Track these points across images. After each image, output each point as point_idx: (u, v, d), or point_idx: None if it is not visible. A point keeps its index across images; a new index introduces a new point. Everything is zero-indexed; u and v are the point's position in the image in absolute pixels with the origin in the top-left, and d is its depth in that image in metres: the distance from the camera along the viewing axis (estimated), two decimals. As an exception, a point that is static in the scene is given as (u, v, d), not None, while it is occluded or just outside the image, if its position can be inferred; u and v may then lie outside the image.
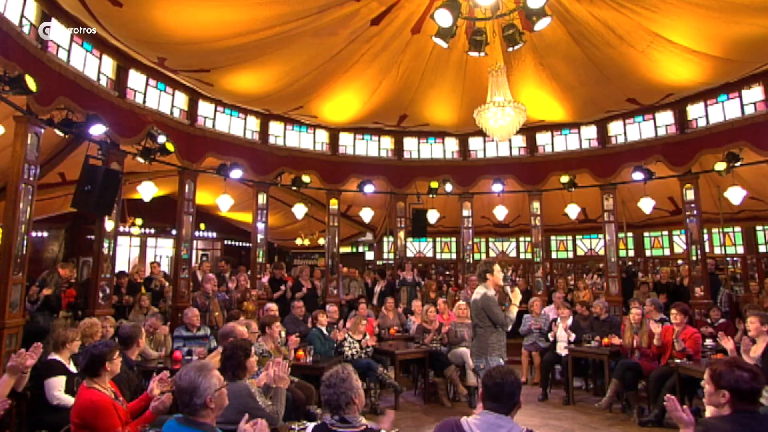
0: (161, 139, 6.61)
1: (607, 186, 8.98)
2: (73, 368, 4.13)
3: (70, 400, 3.86)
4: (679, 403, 2.40)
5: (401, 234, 10.31)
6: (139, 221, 12.00)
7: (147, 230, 13.39)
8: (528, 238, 14.01)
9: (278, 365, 3.25)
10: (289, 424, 2.74)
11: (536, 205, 9.72)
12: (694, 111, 8.07)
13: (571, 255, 14.68)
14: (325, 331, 6.23)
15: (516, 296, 4.35)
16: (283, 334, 5.53)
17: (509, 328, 4.17)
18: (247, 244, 17.20)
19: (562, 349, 6.45)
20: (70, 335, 4.18)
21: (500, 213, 10.10)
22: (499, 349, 4.28)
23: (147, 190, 7.69)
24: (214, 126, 8.26)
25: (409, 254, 14.23)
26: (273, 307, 6.40)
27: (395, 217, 10.42)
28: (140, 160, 6.66)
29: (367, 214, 10.18)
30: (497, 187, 9.52)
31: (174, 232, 13.53)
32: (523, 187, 9.78)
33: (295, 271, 10.17)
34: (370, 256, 16.44)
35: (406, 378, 7.14)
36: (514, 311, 4.29)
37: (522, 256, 14.82)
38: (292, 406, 3.54)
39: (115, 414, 2.84)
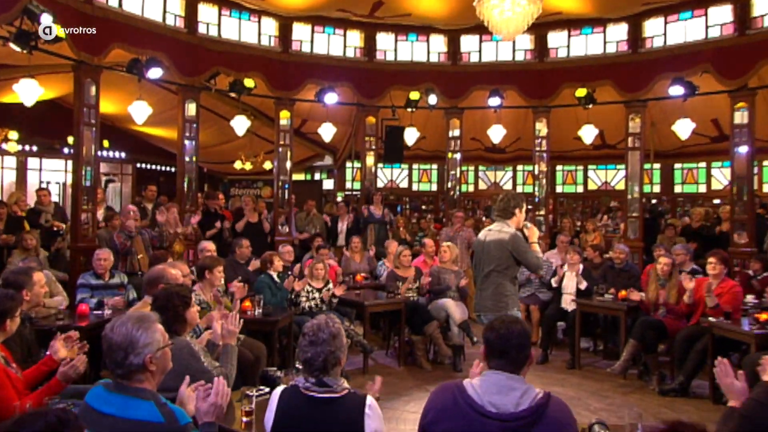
0: (46, 19, 6.00)
1: (635, 103, 8.95)
2: None
3: None
4: (730, 367, 2.51)
5: (370, 158, 10.32)
6: (14, 134, 11.41)
7: (26, 147, 12.84)
8: (528, 167, 14.33)
9: (226, 318, 3.24)
10: (244, 390, 2.76)
11: (542, 124, 9.76)
12: (762, 6, 7.67)
13: (581, 189, 15.03)
14: (276, 278, 6.27)
15: (533, 233, 4.34)
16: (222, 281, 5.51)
17: (543, 272, 4.25)
18: (168, 169, 17.25)
19: (568, 303, 6.61)
20: None
21: (496, 134, 10.12)
22: (517, 300, 4.36)
23: (28, 91, 7.20)
24: (121, 5, 7.70)
25: (379, 184, 14.29)
26: (209, 246, 6.35)
27: (363, 136, 10.40)
28: (14, 47, 6.13)
29: (326, 132, 10.05)
30: (494, 101, 9.47)
31: (66, 150, 13.43)
32: (527, 101, 9.76)
33: (235, 202, 10.07)
34: (328, 185, 16.50)
35: (375, 335, 7.32)
36: (539, 251, 4.29)
37: (520, 188, 15.09)
38: (238, 370, 3.56)
39: (9, 384, 2.76)
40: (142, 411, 2.05)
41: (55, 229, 7.81)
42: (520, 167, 15.36)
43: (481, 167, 15.76)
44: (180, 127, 8.61)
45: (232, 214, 8.97)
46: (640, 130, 8.99)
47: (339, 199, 14.78)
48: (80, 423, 1.62)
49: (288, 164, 9.49)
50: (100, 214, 8.27)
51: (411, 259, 7.06)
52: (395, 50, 10.14)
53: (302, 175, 16.66)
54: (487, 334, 2.22)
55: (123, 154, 15.31)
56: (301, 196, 11.53)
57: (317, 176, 16.95)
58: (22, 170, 13.55)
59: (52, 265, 7.50)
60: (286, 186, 9.45)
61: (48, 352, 3.26)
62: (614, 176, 14.50)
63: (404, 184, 16.20)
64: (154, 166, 16.45)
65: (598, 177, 14.83)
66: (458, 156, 10.17)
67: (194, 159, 8.72)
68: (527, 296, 7.24)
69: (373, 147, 10.29)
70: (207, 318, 4.18)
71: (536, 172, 9.91)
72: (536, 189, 9.91)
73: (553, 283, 6.87)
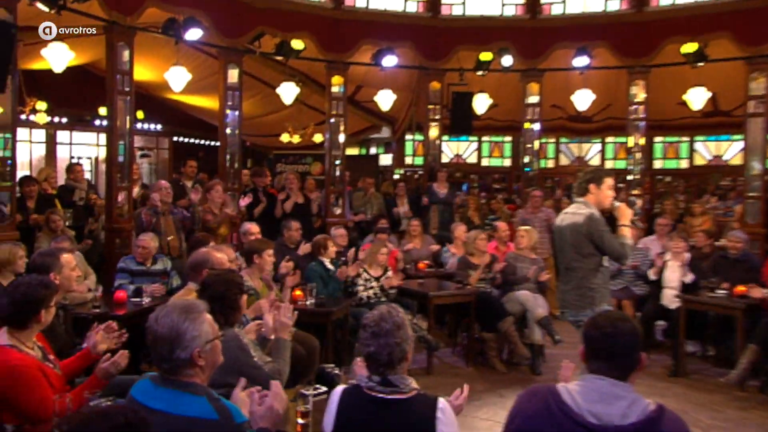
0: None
1: (759, 59, 8.49)
2: None
3: None
4: None
5: (434, 129, 10.28)
6: (42, 105, 11.92)
7: (56, 119, 13.42)
8: (621, 139, 13.90)
9: (279, 308, 3.31)
10: (299, 388, 2.82)
11: (639, 88, 9.46)
12: None
13: (685, 164, 14.49)
14: (329, 266, 6.37)
15: (624, 213, 4.17)
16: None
17: (628, 261, 4.14)
18: (208, 142, 17.73)
19: (670, 299, 6.46)
20: None
21: (582, 100, 9.89)
22: (607, 294, 4.23)
23: (58, 56, 7.50)
24: (156, -40, 7.90)
25: (444, 159, 14.26)
26: (253, 228, 6.50)
27: (425, 105, 10.37)
28: (42, 7, 6.41)
29: (384, 100, 10.06)
30: (581, 61, 9.23)
31: (97, 122, 13.96)
32: (621, 60, 9.45)
33: (280, 180, 10.24)
34: (386, 160, 16.57)
35: (440, 331, 7.36)
36: (628, 236, 4.12)
37: (609, 164, 14.71)
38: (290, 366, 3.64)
39: (45, 381, 2.89)
40: (194, 407, 2.10)
41: (92, 202, 8.18)
42: (610, 139, 14.96)
43: (563, 139, 15.42)
44: (221, 96, 8.79)
45: (279, 192, 9.14)
46: (766, 90, 8.52)
47: (397, 176, 14.79)
48: (148, 424, 1.67)
49: (341, 137, 9.56)
50: (136, 192, 8.60)
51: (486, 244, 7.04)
52: (463, 3, 10.04)
53: (356, 149, 16.77)
54: (589, 332, 2.15)
55: (159, 127, 15.81)
56: (355, 173, 11.66)
57: (373, 150, 17.02)
58: (51, 144, 14.19)
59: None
60: (339, 162, 9.53)
61: (85, 345, 3.42)
62: (728, 149, 13.87)
63: (473, 159, 16.05)
64: (192, 140, 16.94)
65: (708, 150, 14.22)
66: (536, 126, 10.01)
67: (237, 131, 8.91)
68: (619, 290, 7.07)
69: (438, 117, 10.26)
70: (255, 307, 4.28)
71: (630, 145, 9.62)
72: (630, 165, 9.63)
73: (651, 275, 6.69)
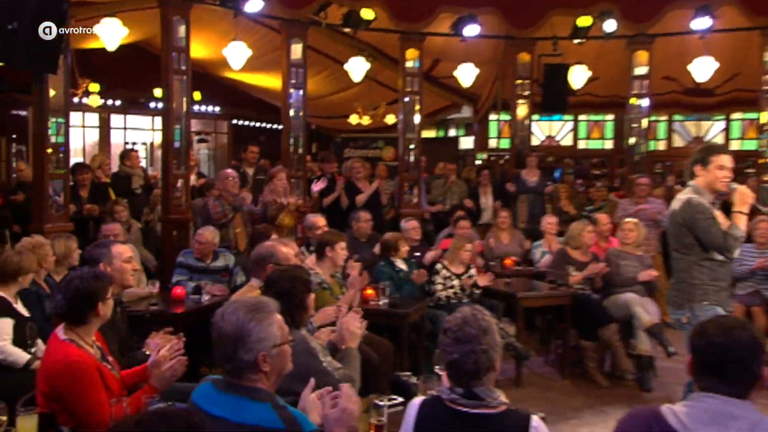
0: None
1: None
2: (22, 309, 4.52)
3: (22, 355, 4.28)
4: None
5: (522, 107, 10.19)
6: (95, 87, 12.45)
7: (109, 102, 14.04)
8: (751, 115, 13.35)
9: (349, 316, 3.39)
10: (372, 398, 2.85)
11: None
12: None
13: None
14: (401, 266, 6.45)
15: (741, 197, 4.04)
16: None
17: (735, 253, 3.98)
18: (270, 125, 18.09)
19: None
20: (25, 262, 4.57)
21: (702, 69, 9.56)
22: (716, 293, 4.09)
23: (111, 33, 7.80)
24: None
25: (534, 141, 14.08)
26: (319, 221, 6.62)
27: (513, 80, 10.27)
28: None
29: (465, 75, 10.00)
30: (701, 23, 8.90)
31: (152, 104, 14.46)
32: (753, 20, 9.01)
33: (346, 167, 10.36)
34: (467, 143, 16.52)
35: (531, 337, 7.33)
36: (742, 225, 4.01)
37: (735, 146, 14.16)
38: (360, 373, 3.68)
39: (102, 383, 3.03)
40: (258, 414, 2.16)
41: (153, 182, 8.55)
42: (736, 115, 14.41)
43: (677, 117, 14.94)
44: (284, 74, 8.96)
45: (346, 180, 9.25)
46: None
47: (479, 162, 14.69)
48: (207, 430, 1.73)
49: (416, 118, 9.56)
50: (193, 179, 8.88)
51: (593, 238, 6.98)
52: (558, -40, 9.77)
53: (433, 131, 16.76)
54: (696, 342, 2.08)
55: (217, 109, 16.26)
56: (432, 158, 11.66)
57: (452, 133, 16.97)
58: (105, 129, 14.86)
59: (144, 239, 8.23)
60: (413, 145, 9.55)
61: (145, 350, 3.59)
62: None
63: (567, 142, 15.77)
64: (253, 123, 17.36)
65: None
66: (645, 102, 9.73)
67: (301, 113, 9.06)
68: (748, 294, 6.86)
69: (527, 93, 10.13)
70: (324, 313, 4.37)
71: (763, 122, 9.21)
72: (763, 146, 9.25)
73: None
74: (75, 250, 5.30)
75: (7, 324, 4.32)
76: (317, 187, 8.02)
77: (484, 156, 15.36)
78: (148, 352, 3.59)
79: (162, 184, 8.03)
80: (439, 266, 6.51)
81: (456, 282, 6.41)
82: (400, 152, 9.63)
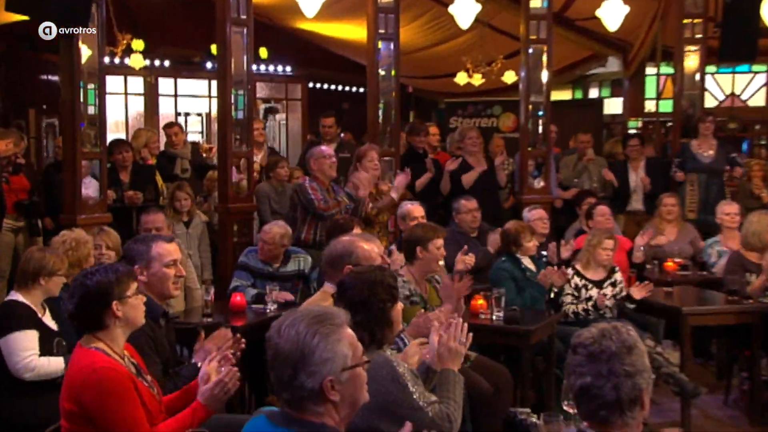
0: None
1: None
2: (50, 322, 4.68)
3: (57, 361, 4.43)
4: None
5: (692, 57, 9.99)
6: (139, 44, 12.80)
7: (156, 63, 14.50)
8: None
9: (449, 326, 3.37)
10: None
11: None
12: None
13: None
14: (529, 264, 6.40)
15: None
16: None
17: None
18: (354, 89, 18.18)
19: None
20: (49, 261, 4.68)
21: None
22: None
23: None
24: None
25: (709, 102, 13.52)
26: (417, 211, 6.64)
27: (678, 19, 10.09)
28: None
29: (611, 15, 9.76)
30: None
31: (209, 65, 14.76)
32: None
33: (452, 140, 10.32)
34: (614, 106, 16.15)
35: (703, 368, 7.17)
36: None
37: None
38: (467, 407, 3.68)
39: (137, 397, 3.14)
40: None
41: (205, 157, 8.98)
42: None
43: None
44: (370, 21, 9.00)
45: (452, 157, 9.22)
46: None
47: (632, 130, 14.35)
48: None
49: (543, 75, 9.41)
50: (260, 159, 9.06)
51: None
52: None
53: (568, 91, 16.51)
54: None
55: (288, 69, 16.55)
56: (565, 128, 11.45)
57: (594, 93, 16.65)
58: (152, 96, 15.41)
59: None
60: (541, 112, 9.43)
61: (195, 361, 3.69)
62: None
63: (758, 101, 15.12)
64: (335, 86, 17.57)
65: None
66: None
67: (393, 72, 9.09)
68: None
69: (699, 36, 9.92)
70: (416, 324, 4.37)
71: None
72: None
73: None
74: (90, 251, 5.39)
75: (31, 337, 4.46)
76: (401, 181, 7.76)
77: (638, 124, 15.00)
78: (199, 364, 3.70)
79: (219, 165, 8.22)
80: (570, 271, 6.43)
81: (594, 292, 6.31)
82: (521, 120, 9.52)
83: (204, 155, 9.43)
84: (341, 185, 7.48)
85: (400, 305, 3.41)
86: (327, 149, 7.50)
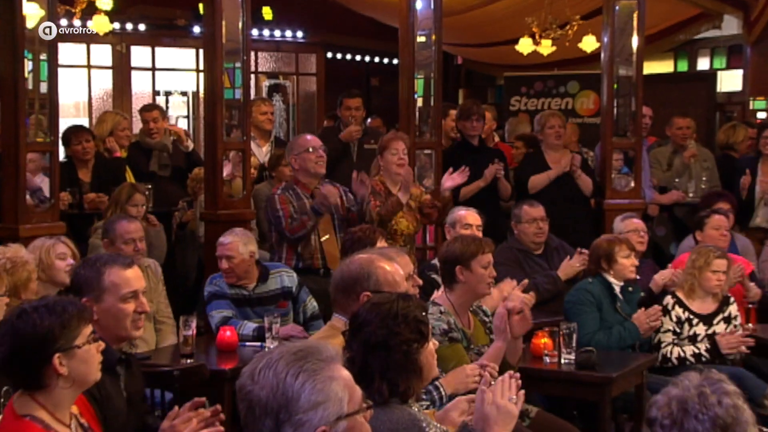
0: None
1: None
2: None
3: None
4: None
5: None
6: (105, 2, 12.69)
7: (128, 27, 14.49)
8: None
9: (497, 382, 3.33)
10: None
11: None
12: None
13: None
14: (618, 292, 6.37)
15: None
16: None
17: None
18: (384, 61, 18.11)
19: None
20: None
21: None
22: None
23: None
24: None
25: None
26: (471, 218, 6.69)
27: None
28: None
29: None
30: None
31: (196, 29, 14.63)
32: None
33: (518, 124, 10.27)
34: (731, 82, 15.94)
35: None
36: None
37: None
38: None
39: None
40: None
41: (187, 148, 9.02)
42: None
43: None
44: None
45: (515, 149, 9.20)
46: None
47: (763, 115, 14.18)
48: None
49: (634, 41, 9.38)
50: (265, 152, 9.07)
51: None
52: None
53: (667, 62, 16.36)
54: None
55: (300, 35, 16.55)
56: (662, 109, 11.35)
57: (703, 65, 16.48)
58: (123, 70, 15.39)
59: (178, 252, 8.46)
60: (631, 88, 9.38)
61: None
62: None
63: None
64: (358, 57, 17.55)
65: None
66: None
67: (434, 37, 9.09)
68: None
69: None
70: (457, 376, 4.34)
71: None
72: None
73: None
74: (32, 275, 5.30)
75: None
76: (451, 182, 7.91)
77: (765, 105, 14.82)
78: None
79: (207, 160, 8.24)
80: (668, 300, 6.38)
81: (700, 329, 6.24)
82: (603, 101, 9.48)
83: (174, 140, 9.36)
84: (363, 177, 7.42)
85: (432, 346, 3.37)
86: (312, 138, 7.43)
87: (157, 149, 9.03)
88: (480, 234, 6.42)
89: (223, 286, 6.31)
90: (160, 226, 8.00)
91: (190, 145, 9.34)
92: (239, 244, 6.25)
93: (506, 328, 4.80)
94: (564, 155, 8.80)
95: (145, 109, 9.61)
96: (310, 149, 7.16)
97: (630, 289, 6.53)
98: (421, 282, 5.09)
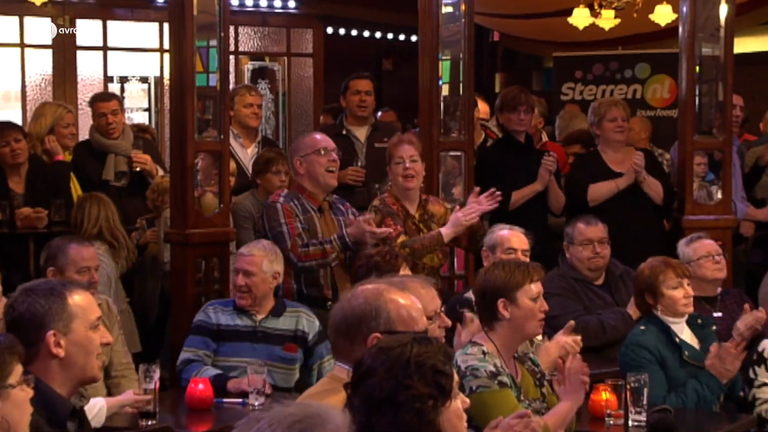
0: None
1: None
2: None
3: None
4: None
5: None
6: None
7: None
8: None
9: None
10: None
11: None
12: None
13: None
14: (687, 336, 6.39)
15: None
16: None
17: None
18: (403, 38, 18.06)
19: None
20: None
21: None
22: None
23: None
24: None
25: None
26: (515, 239, 6.71)
27: None
28: None
29: None
30: None
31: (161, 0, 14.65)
32: None
33: (563, 123, 10.30)
34: None
35: None
36: None
37: None
38: None
39: None
40: None
41: (136, 168, 8.92)
42: None
43: None
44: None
45: (566, 149, 9.25)
46: None
47: None
48: None
49: (722, 10, 9.40)
50: (250, 155, 9.11)
51: None
52: None
53: (763, 39, 16.38)
54: None
55: (292, 4, 16.61)
56: (758, 101, 11.36)
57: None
58: (66, 51, 15.40)
59: (136, 283, 8.49)
60: (715, 71, 9.39)
61: None
62: None
63: None
64: (367, 33, 17.60)
65: None
66: None
67: (463, 7, 9.11)
68: None
69: None
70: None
71: None
72: None
73: None
74: None
75: None
76: (466, 215, 7.78)
77: None
78: None
79: (173, 164, 8.27)
80: (765, 345, 6.39)
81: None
82: (682, 88, 9.50)
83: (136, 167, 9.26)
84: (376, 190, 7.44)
85: (458, 405, 3.36)
86: (323, 138, 7.47)
87: (114, 152, 8.96)
88: (526, 259, 6.41)
89: (217, 314, 6.37)
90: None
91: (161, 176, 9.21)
92: (263, 260, 6.33)
93: (582, 385, 4.83)
94: (628, 156, 8.81)
95: (100, 99, 9.58)
96: (321, 151, 7.17)
97: (699, 321, 6.51)
98: (449, 323, 5.04)
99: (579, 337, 5.81)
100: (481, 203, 7.42)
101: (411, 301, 4.20)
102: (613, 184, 8.57)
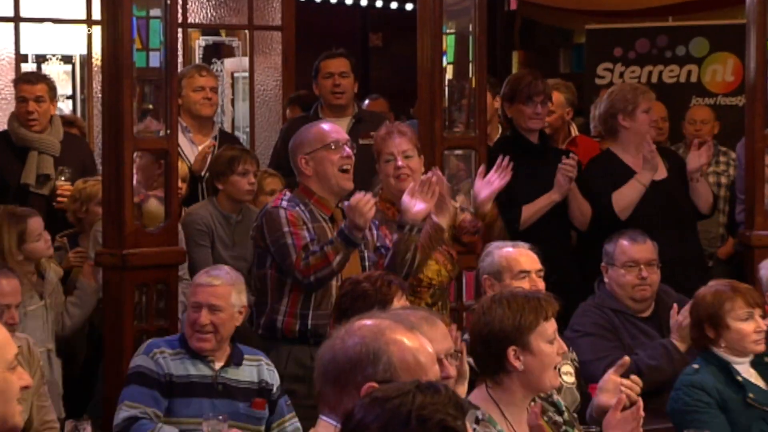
0: None
1: None
2: None
3: None
4: None
5: None
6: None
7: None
8: None
9: None
10: None
11: None
12: None
13: None
14: (752, 376, 6.45)
15: None
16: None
17: None
18: (395, 7, 18.04)
19: None
20: None
21: None
22: None
23: None
24: None
25: None
26: (526, 260, 6.72)
27: None
28: None
29: None
30: None
31: None
32: None
33: (605, 113, 10.45)
34: None
35: None
36: None
37: None
38: None
39: None
40: None
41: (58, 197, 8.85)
42: None
43: None
44: None
45: (601, 144, 9.34)
46: None
47: None
48: None
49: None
50: (206, 147, 9.15)
51: None
52: None
53: None
54: None
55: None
56: None
57: None
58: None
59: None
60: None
61: None
62: None
63: None
64: (349, 1, 17.71)
65: None
66: None
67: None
68: None
69: None
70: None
71: None
72: None
73: None
74: None
75: None
76: (488, 189, 7.79)
77: None
78: None
79: (104, 165, 8.30)
80: None
81: None
82: (750, 71, 9.55)
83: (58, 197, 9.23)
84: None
85: None
86: (332, 128, 7.48)
87: (37, 149, 8.98)
88: (541, 282, 6.46)
89: (163, 362, 6.34)
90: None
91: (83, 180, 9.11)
92: (232, 291, 6.38)
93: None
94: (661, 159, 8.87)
95: (24, 80, 9.70)
96: (332, 145, 7.15)
97: (767, 360, 6.55)
98: (453, 374, 4.98)
99: (637, 378, 5.77)
100: (492, 182, 7.50)
101: (420, 343, 4.12)
102: (636, 183, 8.62)
